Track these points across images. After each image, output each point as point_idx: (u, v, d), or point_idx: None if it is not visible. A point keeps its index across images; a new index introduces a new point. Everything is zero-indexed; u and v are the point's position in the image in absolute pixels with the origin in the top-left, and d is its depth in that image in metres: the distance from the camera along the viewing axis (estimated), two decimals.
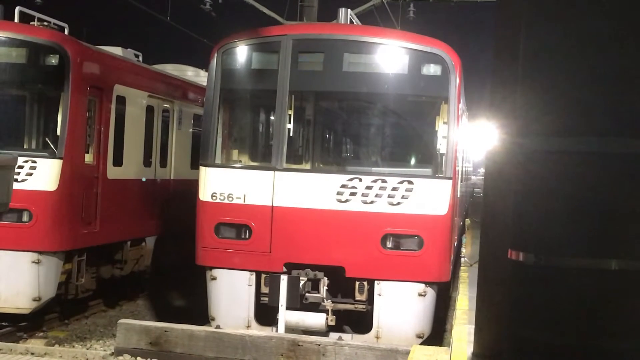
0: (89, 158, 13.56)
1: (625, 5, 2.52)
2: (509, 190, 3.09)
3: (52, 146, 12.69)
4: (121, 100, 14.63)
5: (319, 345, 10.44)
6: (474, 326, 6.69)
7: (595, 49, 2.56)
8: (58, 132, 12.73)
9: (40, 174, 12.42)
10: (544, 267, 2.76)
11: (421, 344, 10.84)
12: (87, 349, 12.20)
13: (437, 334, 12.15)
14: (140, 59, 17.24)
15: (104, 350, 11.77)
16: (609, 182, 2.71)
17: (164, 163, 16.76)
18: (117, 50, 15.87)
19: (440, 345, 11.29)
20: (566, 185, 2.77)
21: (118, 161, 14.49)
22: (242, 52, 11.98)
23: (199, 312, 12.49)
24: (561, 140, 2.74)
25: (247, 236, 11.46)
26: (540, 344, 2.73)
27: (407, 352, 9.55)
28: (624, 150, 2.68)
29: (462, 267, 14.45)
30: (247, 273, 11.46)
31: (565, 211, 2.74)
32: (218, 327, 11.24)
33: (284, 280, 10.97)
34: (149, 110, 16.00)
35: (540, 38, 2.82)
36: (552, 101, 2.81)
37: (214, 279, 11.58)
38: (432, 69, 11.63)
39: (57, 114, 12.87)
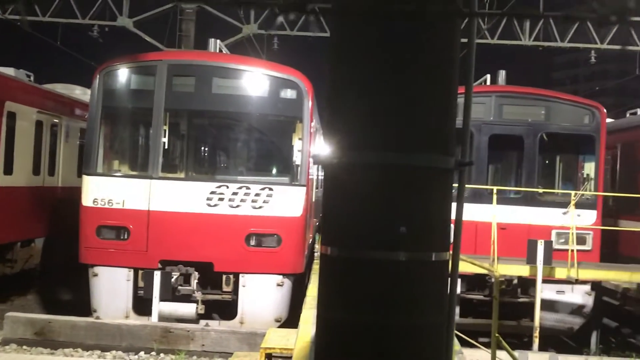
0: None
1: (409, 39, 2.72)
2: (325, 195, 3.25)
3: None
4: (12, 116, 14.12)
5: (188, 331, 10.44)
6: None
7: (383, 79, 2.75)
8: None
9: None
10: (346, 258, 2.92)
11: (279, 327, 10.93)
12: None
13: (294, 319, 12.27)
14: (32, 78, 16.57)
15: None
16: (399, 189, 2.90)
17: (52, 172, 16.15)
18: (9, 71, 15.32)
19: (296, 328, 11.41)
20: (363, 191, 2.94)
21: (8, 170, 13.92)
22: (122, 74, 11.82)
23: (83, 305, 12.08)
24: (359, 154, 2.93)
25: (125, 237, 11.29)
26: (342, 322, 2.88)
27: (264, 334, 9.61)
28: (409, 162, 2.87)
29: (315, 261, 14.69)
30: (126, 270, 11.32)
31: (363, 212, 2.90)
32: (98, 317, 10.93)
33: (157, 275, 10.92)
34: (38, 124, 15.50)
35: (341, 71, 3.00)
36: (349, 123, 2.99)
37: (96, 275, 11.36)
38: (289, 93, 11.85)
39: None
